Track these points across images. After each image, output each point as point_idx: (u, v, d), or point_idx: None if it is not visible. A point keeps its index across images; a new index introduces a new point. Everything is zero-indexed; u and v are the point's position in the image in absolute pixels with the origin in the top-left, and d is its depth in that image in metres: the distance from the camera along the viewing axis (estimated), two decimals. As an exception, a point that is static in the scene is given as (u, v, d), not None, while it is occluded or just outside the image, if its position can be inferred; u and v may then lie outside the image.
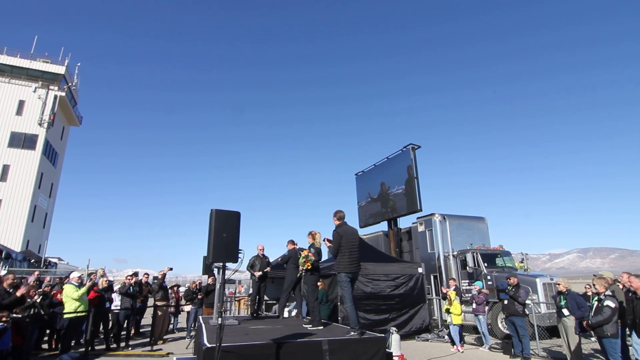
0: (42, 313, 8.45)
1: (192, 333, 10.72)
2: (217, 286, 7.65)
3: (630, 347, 6.68)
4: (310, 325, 6.46)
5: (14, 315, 7.18)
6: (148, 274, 11.16)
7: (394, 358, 6.07)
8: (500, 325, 10.96)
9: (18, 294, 7.30)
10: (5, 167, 28.29)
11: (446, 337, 10.96)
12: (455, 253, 13.11)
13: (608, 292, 6.34)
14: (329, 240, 5.55)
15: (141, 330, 11.81)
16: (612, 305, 6.19)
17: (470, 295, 10.68)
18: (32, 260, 20.08)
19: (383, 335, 5.77)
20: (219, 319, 3.70)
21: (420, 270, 12.08)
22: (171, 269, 11.43)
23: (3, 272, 14.26)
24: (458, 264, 12.92)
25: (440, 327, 12.15)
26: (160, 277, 11.05)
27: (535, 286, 10.84)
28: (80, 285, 8.80)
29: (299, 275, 7.41)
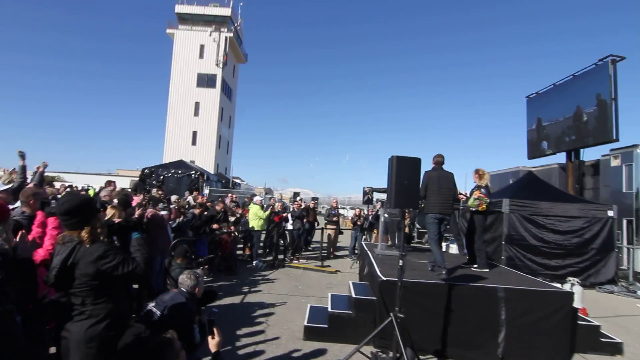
0: (238, 231, 10.49)
1: (354, 255, 11.84)
2: (382, 219, 8.07)
3: None
4: (477, 267, 6.33)
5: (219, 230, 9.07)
6: (315, 201, 12.53)
7: (577, 312, 5.49)
8: None
9: (218, 208, 9.35)
10: (197, 104, 34.33)
11: (639, 292, 9.34)
12: (665, 195, 10.49)
13: None
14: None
15: (310, 247, 13.53)
16: None
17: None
18: (223, 181, 24.74)
19: (570, 290, 5.23)
20: (400, 261, 3.86)
21: (610, 213, 10.16)
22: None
23: (206, 191, 18.04)
24: (667, 208, 10.38)
25: (631, 279, 10.36)
26: (334, 205, 12.38)
27: None
28: (262, 207, 10.55)
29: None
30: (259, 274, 8.88)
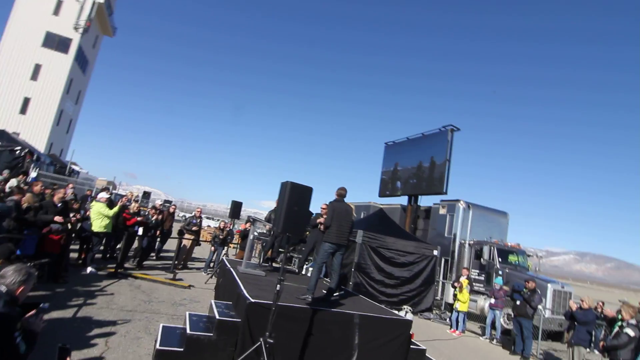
0: (80, 228, 8.86)
1: (209, 269, 11.23)
2: (250, 237, 7.92)
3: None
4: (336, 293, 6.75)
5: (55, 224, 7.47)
6: (176, 206, 11.53)
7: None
8: (502, 320, 11.30)
9: (56, 198, 7.62)
10: (37, 67, 28.23)
11: (448, 320, 11.40)
12: (472, 242, 13.23)
13: (632, 321, 6.42)
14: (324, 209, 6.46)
15: (161, 254, 12.20)
16: (632, 334, 6.29)
17: (490, 289, 10.97)
18: (58, 166, 20.61)
19: (410, 319, 6.01)
20: (278, 285, 3.83)
21: (435, 252, 12.30)
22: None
23: (33, 174, 14.74)
24: (472, 253, 13.09)
25: (442, 309, 12.58)
26: (197, 214, 11.53)
27: (545, 291, 11.03)
28: (111, 204, 9.12)
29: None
30: (96, 284, 7.57)
